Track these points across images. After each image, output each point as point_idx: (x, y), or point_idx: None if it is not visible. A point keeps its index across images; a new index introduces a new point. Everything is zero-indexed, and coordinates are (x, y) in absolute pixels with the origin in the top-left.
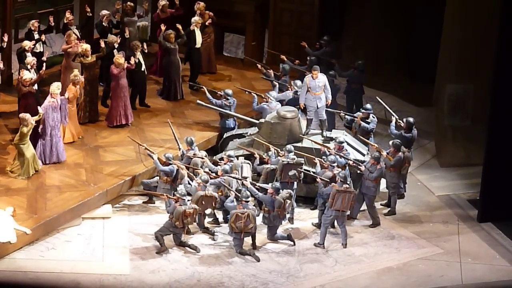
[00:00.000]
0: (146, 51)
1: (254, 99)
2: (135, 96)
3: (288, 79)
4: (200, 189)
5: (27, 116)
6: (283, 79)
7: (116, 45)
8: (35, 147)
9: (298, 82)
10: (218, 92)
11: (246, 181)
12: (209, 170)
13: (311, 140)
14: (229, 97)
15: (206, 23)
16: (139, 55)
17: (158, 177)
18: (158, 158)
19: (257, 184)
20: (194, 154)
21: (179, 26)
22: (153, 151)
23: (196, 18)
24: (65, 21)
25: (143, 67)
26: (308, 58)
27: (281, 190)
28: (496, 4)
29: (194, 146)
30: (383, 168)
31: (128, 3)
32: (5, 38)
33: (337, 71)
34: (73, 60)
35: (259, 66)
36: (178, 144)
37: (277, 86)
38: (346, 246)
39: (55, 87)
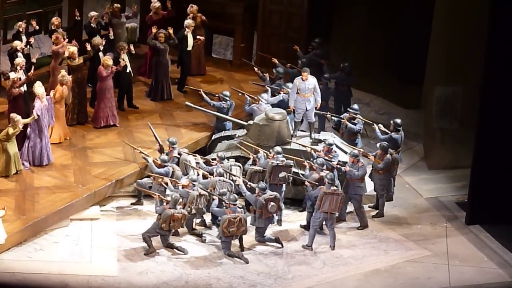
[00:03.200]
0: (133, 52)
1: (246, 100)
2: (122, 98)
3: (282, 82)
4: (191, 189)
5: (17, 117)
6: (278, 82)
7: (101, 47)
8: (21, 149)
9: (290, 85)
10: (216, 95)
11: (239, 178)
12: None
13: (299, 144)
14: (227, 99)
15: (197, 37)
16: (124, 56)
17: (151, 178)
18: (153, 161)
19: (249, 183)
20: (179, 153)
21: (171, 31)
22: (148, 154)
23: (189, 21)
24: (52, 28)
25: (129, 69)
26: (299, 60)
27: (267, 190)
28: (485, 6)
29: (175, 146)
30: (365, 165)
31: (115, 4)
32: None
33: (325, 72)
34: (59, 64)
35: (255, 69)
36: (158, 143)
37: (269, 90)
38: (334, 248)
39: (38, 86)
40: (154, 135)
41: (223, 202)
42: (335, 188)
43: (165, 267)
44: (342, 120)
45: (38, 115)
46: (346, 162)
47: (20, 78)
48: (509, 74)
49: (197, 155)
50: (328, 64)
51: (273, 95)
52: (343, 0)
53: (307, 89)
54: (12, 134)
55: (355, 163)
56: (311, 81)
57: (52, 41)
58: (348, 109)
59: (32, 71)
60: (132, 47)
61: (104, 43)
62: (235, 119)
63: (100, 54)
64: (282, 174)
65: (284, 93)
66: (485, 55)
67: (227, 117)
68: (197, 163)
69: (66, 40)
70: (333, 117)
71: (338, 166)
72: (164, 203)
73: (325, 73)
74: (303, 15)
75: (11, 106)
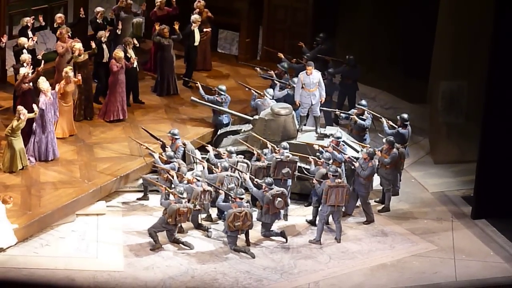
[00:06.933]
0: (137, 45)
1: (253, 95)
2: (128, 93)
3: (288, 77)
4: (195, 185)
5: (23, 110)
6: (285, 77)
7: (103, 39)
8: (27, 144)
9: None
10: (213, 89)
11: (246, 174)
12: (211, 163)
13: (305, 143)
14: (222, 93)
15: (204, 30)
16: (131, 52)
17: (158, 173)
18: (159, 157)
19: (255, 179)
20: (184, 144)
21: (176, 26)
22: (154, 150)
23: (196, 16)
24: (55, 25)
25: (135, 64)
26: (304, 56)
27: (274, 186)
28: (490, 1)
29: (178, 137)
30: (374, 166)
31: (128, 0)
32: (4, 39)
33: (330, 68)
34: (67, 62)
35: (257, 69)
36: (158, 140)
37: (278, 84)
38: (340, 241)
39: (43, 82)
40: (152, 136)
41: (229, 197)
42: (339, 180)
43: (171, 262)
44: (351, 116)
45: (42, 109)
46: (358, 159)
47: (29, 74)
48: None
49: (209, 145)
50: (334, 60)
51: (281, 89)
52: None
53: (311, 83)
54: (17, 126)
55: (366, 161)
56: (316, 76)
57: (57, 36)
58: (357, 105)
59: (42, 65)
60: (135, 41)
61: (108, 35)
62: (240, 113)
63: (104, 46)
64: (285, 170)
65: (290, 88)
66: (490, 50)
67: (232, 111)
68: (204, 157)
69: (71, 40)
70: (341, 114)
71: (350, 159)
72: (171, 197)
73: (330, 68)
74: (308, 10)
75: (20, 101)
